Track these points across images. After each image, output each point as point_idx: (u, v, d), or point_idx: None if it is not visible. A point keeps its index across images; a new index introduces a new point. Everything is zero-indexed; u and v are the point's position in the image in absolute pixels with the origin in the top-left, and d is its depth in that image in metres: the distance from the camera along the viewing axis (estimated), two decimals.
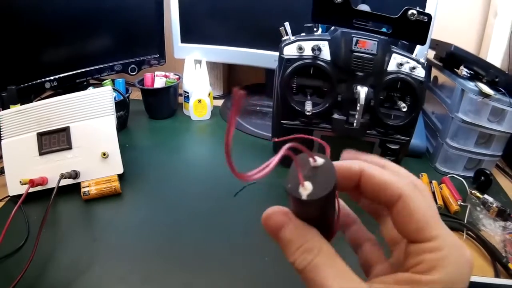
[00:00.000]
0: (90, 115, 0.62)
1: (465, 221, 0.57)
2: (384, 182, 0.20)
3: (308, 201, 0.18)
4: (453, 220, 0.57)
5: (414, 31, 0.53)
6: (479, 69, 0.66)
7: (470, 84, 0.64)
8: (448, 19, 0.91)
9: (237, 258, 0.49)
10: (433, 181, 0.66)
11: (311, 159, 0.19)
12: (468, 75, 0.68)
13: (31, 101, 0.83)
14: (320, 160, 0.19)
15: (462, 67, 0.70)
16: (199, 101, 0.87)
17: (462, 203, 0.60)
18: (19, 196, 0.53)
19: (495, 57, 0.88)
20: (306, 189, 0.18)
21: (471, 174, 0.70)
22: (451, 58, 0.72)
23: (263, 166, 0.18)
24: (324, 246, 0.19)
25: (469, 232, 0.55)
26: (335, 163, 0.20)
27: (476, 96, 0.63)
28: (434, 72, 0.83)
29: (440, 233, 0.19)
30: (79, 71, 0.83)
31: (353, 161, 0.21)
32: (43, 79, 0.77)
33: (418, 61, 0.58)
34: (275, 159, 0.18)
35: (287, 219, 0.20)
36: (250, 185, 0.61)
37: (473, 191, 0.63)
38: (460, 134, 0.68)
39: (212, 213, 0.58)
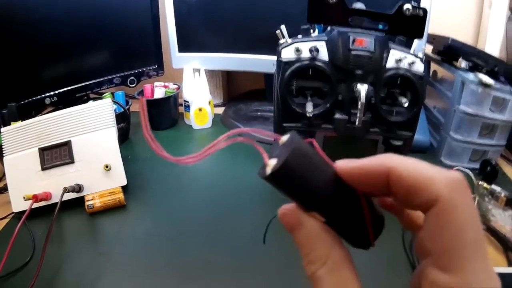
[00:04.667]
0: (91, 128, 0.62)
1: None
2: (417, 183, 0.16)
3: (272, 176, 0.18)
4: None
5: (410, 26, 0.52)
6: (478, 59, 0.66)
7: (470, 76, 0.64)
8: (443, 13, 0.91)
9: (245, 268, 0.49)
10: None
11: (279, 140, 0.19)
12: (467, 67, 0.68)
13: (32, 117, 0.83)
14: (285, 137, 0.19)
15: (460, 59, 0.70)
16: (200, 109, 0.87)
17: None
18: (23, 212, 0.53)
19: (492, 47, 0.88)
20: (269, 165, 0.18)
21: (476, 166, 0.69)
22: (449, 51, 0.72)
23: (203, 150, 0.18)
24: (331, 255, 0.18)
25: None
26: (358, 161, 0.19)
27: (476, 87, 0.63)
28: (433, 66, 0.83)
29: (470, 267, 0.15)
30: (78, 85, 0.83)
31: (379, 158, 0.18)
32: (43, 95, 0.77)
33: (416, 56, 0.57)
34: (216, 144, 0.18)
35: (298, 223, 0.19)
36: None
37: (480, 182, 0.63)
38: (463, 126, 0.68)
39: (218, 222, 0.57)
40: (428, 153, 0.76)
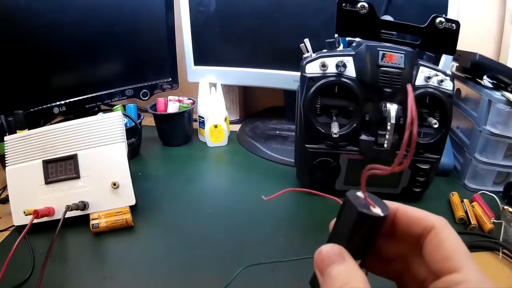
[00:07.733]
0: (99, 142, 0.58)
1: (501, 239, 0.54)
2: (419, 215, 0.23)
3: (383, 217, 0.23)
4: (488, 239, 0.55)
5: (443, 40, 0.50)
6: (504, 77, 0.63)
7: (497, 94, 0.62)
8: (464, 29, 0.89)
9: None
10: (465, 200, 0.62)
11: (359, 193, 0.24)
12: (491, 85, 0.66)
13: (40, 126, 0.81)
14: (359, 193, 0.24)
15: (485, 77, 0.67)
16: (215, 126, 0.84)
17: (495, 221, 0.57)
18: (24, 226, 0.50)
19: None
20: (377, 208, 0.23)
21: (500, 189, 0.66)
22: (475, 68, 0.69)
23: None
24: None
25: (505, 251, 0.52)
26: None
27: (504, 106, 0.60)
28: (457, 84, 0.80)
29: (467, 265, 0.20)
30: (88, 96, 0.81)
31: (388, 202, 0.25)
32: (51, 104, 0.75)
33: (445, 73, 0.55)
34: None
35: (341, 259, 0.22)
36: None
37: (505, 207, 0.60)
38: (489, 147, 0.65)
39: (233, 246, 0.53)
40: (451, 176, 0.73)
